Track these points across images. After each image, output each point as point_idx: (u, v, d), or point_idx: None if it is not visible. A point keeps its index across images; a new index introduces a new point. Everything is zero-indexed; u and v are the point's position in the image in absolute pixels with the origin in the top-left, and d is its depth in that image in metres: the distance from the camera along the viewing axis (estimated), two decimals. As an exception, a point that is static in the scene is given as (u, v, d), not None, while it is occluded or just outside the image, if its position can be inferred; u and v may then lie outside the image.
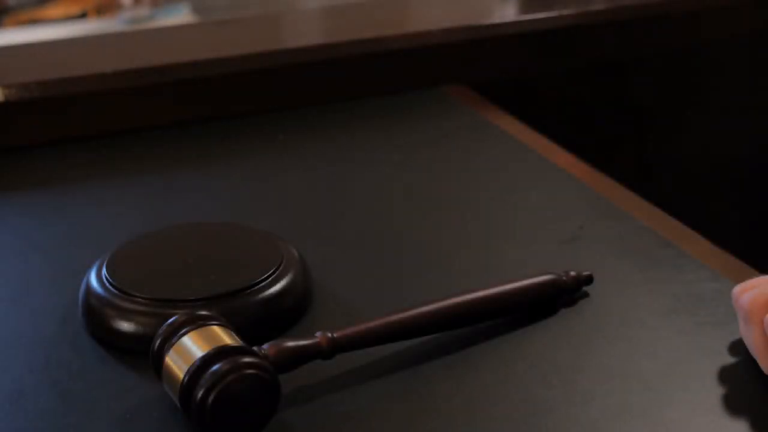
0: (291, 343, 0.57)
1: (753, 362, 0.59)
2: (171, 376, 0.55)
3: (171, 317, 0.57)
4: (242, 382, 0.52)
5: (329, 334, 0.58)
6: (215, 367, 0.52)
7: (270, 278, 0.65)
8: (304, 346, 0.57)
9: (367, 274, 0.71)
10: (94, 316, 0.64)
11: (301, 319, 0.65)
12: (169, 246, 0.70)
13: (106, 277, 0.65)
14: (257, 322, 0.63)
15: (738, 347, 0.60)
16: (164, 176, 0.93)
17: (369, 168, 0.93)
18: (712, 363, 0.59)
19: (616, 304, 0.67)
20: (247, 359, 0.53)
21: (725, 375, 0.58)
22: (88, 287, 0.65)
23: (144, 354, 0.58)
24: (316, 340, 0.57)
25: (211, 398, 0.52)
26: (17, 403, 0.57)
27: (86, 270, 0.68)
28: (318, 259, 0.71)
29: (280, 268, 0.66)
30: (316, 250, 0.73)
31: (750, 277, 0.62)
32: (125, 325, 0.62)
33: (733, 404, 0.55)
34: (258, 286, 0.64)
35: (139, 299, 0.63)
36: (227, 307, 0.62)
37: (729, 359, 0.59)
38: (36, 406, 0.57)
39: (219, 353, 0.53)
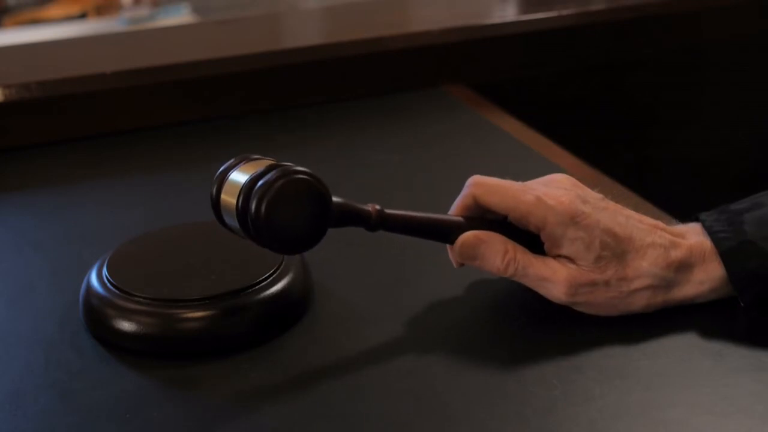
0: (344, 201, 0.59)
1: (753, 362, 0.59)
2: (228, 208, 0.56)
3: (171, 317, 0.57)
4: (293, 185, 0.53)
5: (378, 207, 0.61)
6: (266, 178, 0.53)
7: (270, 278, 0.65)
8: (356, 207, 0.60)
9: (367, 274, 0.71)
10: (95, 316, 0.64)
11: (301, 319, 0.66)
12: (169, 246, 0.70)
13: (106, 277, 0.65)
14: (257, 322, 0.63)
15: (739, 348, 0.60)
16: (164, 176, 0.93)
17: (368, 168, 0.93)
18: (712, 363, 0.59)
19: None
20: (298, 168, 0.54)
21: (725, 375, 0.58)
22: (89, 287, 0.65)
23: (144, 354, 0.58)
24: (367, 208, 0.60)
25: (264, 205, 0.53)
26: (17, 403, 0.57)
27: (87, 270, 0.68)
28: (318, 259, 0.71)
29: (280, 268, 0.66)
30: (316, 250, 0.73)
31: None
32: (125, 325, 0.62)
33: (733, 404, 0.55)
34: (258, 286, 0.64)
35: (140, 299, 0.62)
36: (227, 307, 0.62)
37: (729, 359, 0.59)
38: (36, 406, 0.57)
39: (268, 168, 0.54)
